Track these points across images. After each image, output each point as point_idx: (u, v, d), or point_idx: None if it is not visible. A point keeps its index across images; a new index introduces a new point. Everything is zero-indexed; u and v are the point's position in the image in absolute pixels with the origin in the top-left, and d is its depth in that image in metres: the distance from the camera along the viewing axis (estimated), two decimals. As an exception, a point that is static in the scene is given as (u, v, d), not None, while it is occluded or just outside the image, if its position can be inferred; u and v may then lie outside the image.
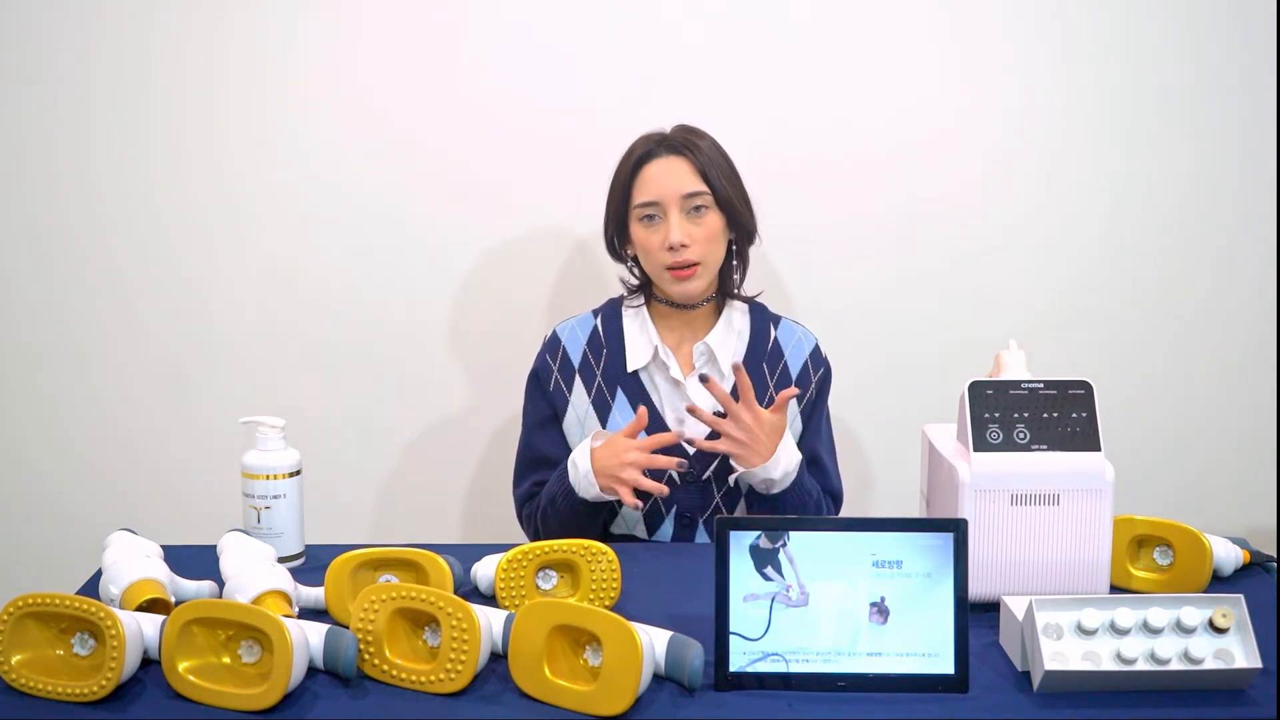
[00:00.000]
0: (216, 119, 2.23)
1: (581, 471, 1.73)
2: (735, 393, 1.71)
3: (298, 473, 1.59)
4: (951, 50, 2.23)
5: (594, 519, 1.79)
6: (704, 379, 1.67)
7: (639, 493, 1.71)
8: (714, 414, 1.74)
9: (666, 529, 1.85)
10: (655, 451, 1.70)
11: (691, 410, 1.71)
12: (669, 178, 1.80)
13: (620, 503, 1.80)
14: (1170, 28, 2.22)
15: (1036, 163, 2.26)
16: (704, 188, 1.80)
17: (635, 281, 1.92)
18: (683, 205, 1.79)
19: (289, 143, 2.23)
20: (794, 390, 1.70)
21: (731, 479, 1.78)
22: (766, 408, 1.74)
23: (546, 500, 1.80)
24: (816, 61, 2.23)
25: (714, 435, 1.78)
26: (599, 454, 1.72)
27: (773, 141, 2.23)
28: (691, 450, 1.81)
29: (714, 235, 1.81)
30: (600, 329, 1.88)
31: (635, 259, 1.89)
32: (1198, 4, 2.22)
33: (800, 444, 1.86)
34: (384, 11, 2.20)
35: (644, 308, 1.89)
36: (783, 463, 1.72)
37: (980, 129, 2.25)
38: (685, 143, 1.82)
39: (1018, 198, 2.27)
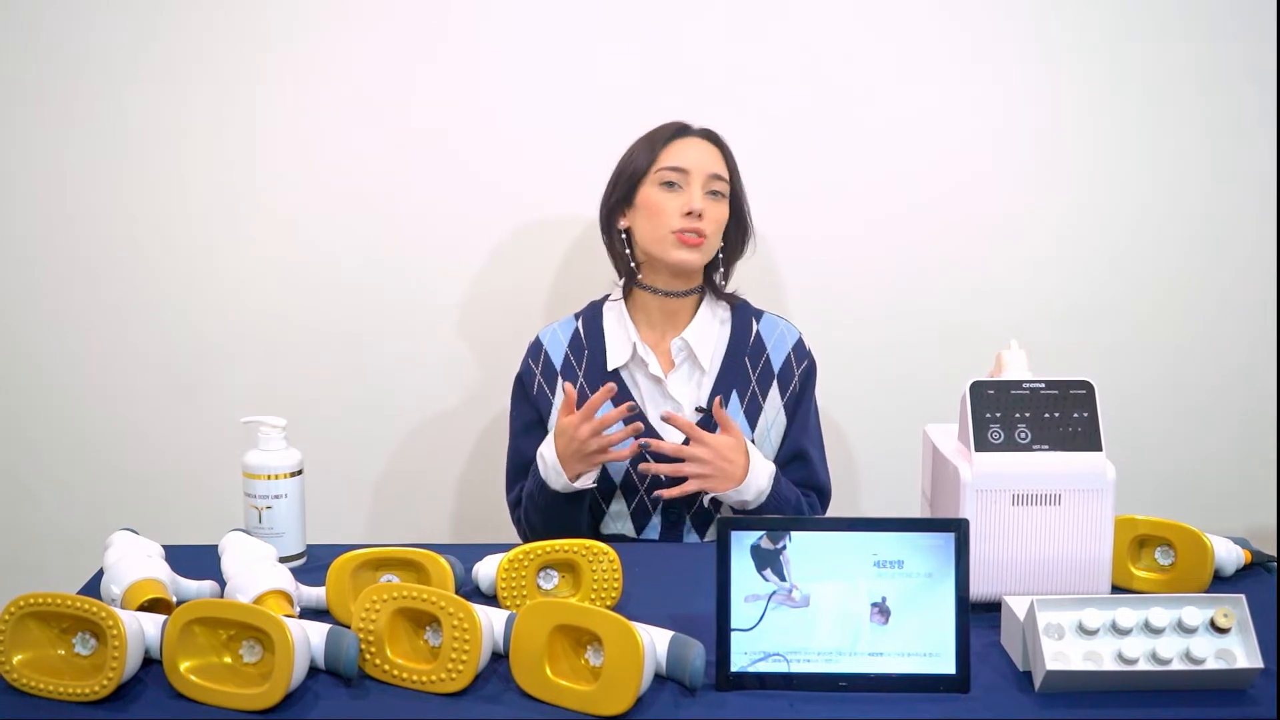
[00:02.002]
0: (217, 117, 2.23)
1: (550, 464, 1.75)
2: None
3: (299, 472, 1.59)
4: (953, 47, 2.23)
5: (574, 509, 1.79)
6: (665, 417, 1.70)
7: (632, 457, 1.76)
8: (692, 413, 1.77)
9: (654, 527, 1.86)
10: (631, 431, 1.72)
11: (667, 418, 1.71)
12: (702, 154, 1.85)
13: (606, 505, 1.85)
14: (1174, 28, 2.22)
15: (1038, 162, 2.26)
16: (726, 175, 1.86)
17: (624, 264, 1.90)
18: (706, 183, 1.84)
19: (290, 141, 2.23)
20: (718, 400, 1.72)
21: (706, 500, 1.80)
22: (748, 401, 1.78)
23: (526, 498, 1.83)
24: (816, 57, 2.23)
25: (703, 424, 1.81)
26: (559, 445, 1.74)
27: (772, 138, 2.23)
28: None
29: (722, 222, 1.87)
30: (581, 330, 1.90)
31: (626, 234, 1.88)
32: (1202, 5, 2.22)
33: (785, 438, 1.88)
34: (385, 7, 2.20)
35: (623, 303, 1.90)
36: (754, 484, 1.72)
37: (980, 127, 2.25)
38: (715, 135, 1.89)
39: (1022, 197, 2.27)
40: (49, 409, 2.31)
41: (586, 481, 1.76)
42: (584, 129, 2.21)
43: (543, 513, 1.80)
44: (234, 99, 2.22)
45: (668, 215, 1.82)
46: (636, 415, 1.81)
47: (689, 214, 1.81)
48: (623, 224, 1.89)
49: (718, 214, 1.84)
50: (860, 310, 2.29)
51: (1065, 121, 2.25)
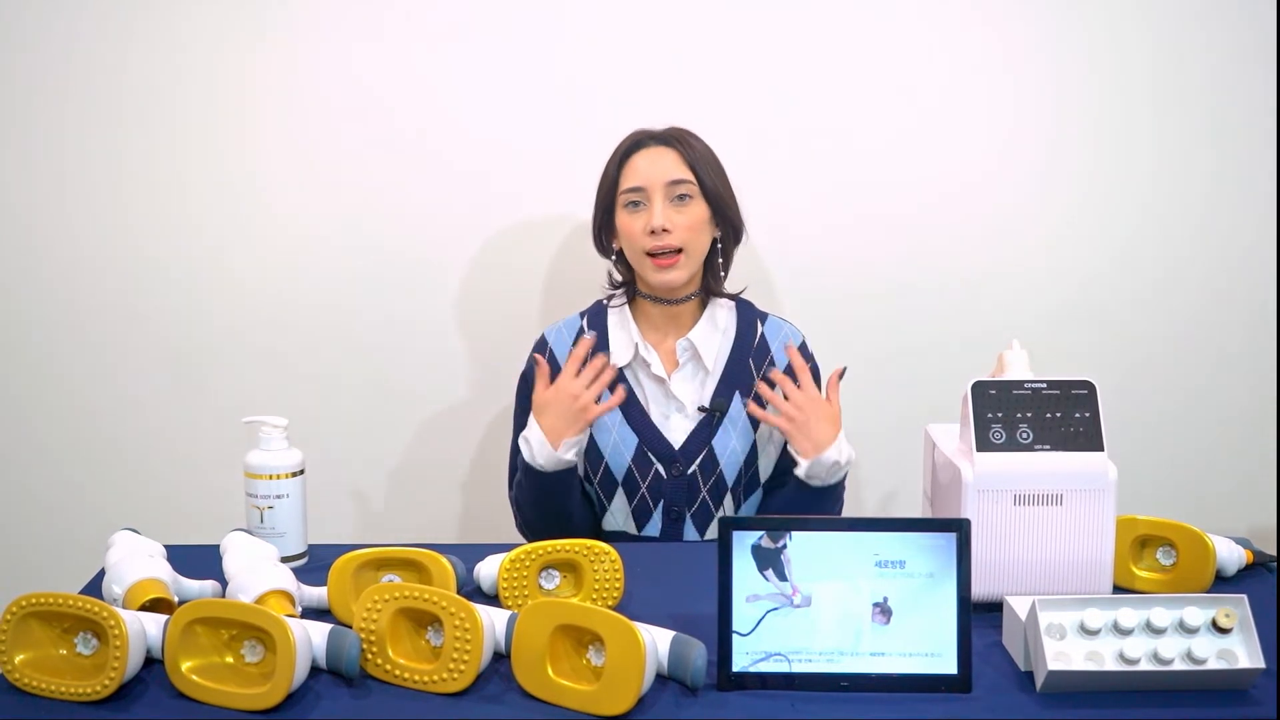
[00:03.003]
0: (216, 118, 2.23)
1: (535, 441, 1.75)
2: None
3: (301, 472, 1.59)
4: (956, 46, 2.23)
5: (563, 492, 1.80)
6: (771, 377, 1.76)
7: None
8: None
9: (655, 523, 1.87)
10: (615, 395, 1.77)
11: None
12: (656, 165, 1.84)
13: (607, 502, 1.87)
14: (1175, 30, 2.22)
15: (1039, 161, 2.27)
16: (690, 177, 1.84)
17: (619, 278, 1.95)
18: (667, 192, 1.83)
19: (288, 143, 2.23)
20: (841, 367, 1.77)
21: (800, 470, 1.76)
22: (752, 401, 1.81)
23: (516, 489, 1.84)
24: (816, 56, 2.23)
25: (706, 423, 1.84)
26: (546, 419, 1.75)
27: (773, 137, 2.23)
28: (678, 446, 1.84)
29: (697, 224, 1.84)
30: (586, 329, 1.91)
31: (620, 253, 1.91)
32: (1202, 8, 2.22)
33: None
34: (381, 11, 2.20)
35: (626, 306, 1.92)
36: (845, 450, 1.76)
37: (982, 127, 2.26)
38: (675, 136, 1.87)
39: (1020, 197, 2.27)
40: (50, 409, 2.31)
41: (572, 453, 1.76)
42: (583, 127, 2.21)
43: (534, 501, 1.81)
44: (235, 100, 2.22)
45: (637, 237, 1.83)
46: (634, 406, 1.84)
47: (653, 232, 1.81)
48: (615, 245, 1.91)
49: (688, 219, 1.83)
50: (861, 310, 2.29)
51: (1065, 123, 2.25)
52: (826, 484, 1.76)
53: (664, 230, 1.81)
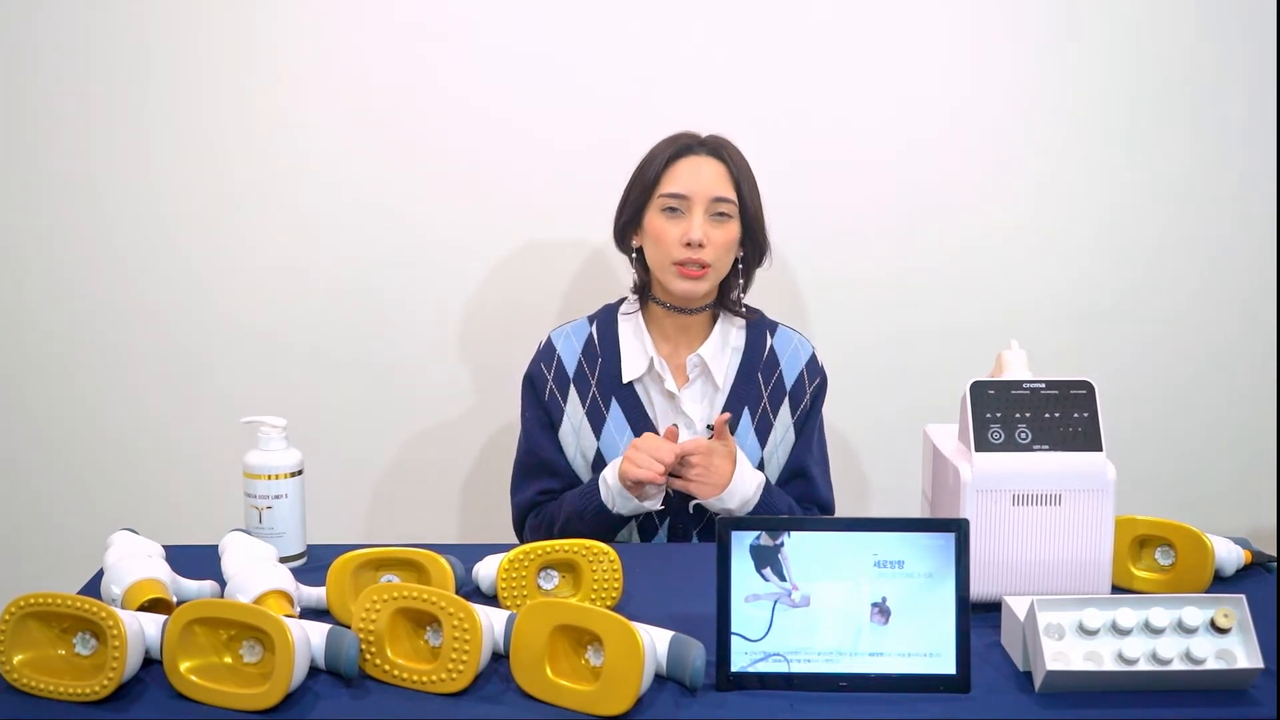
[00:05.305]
0: (221, 118, 2.23)
1: (613, 488, 1.73)
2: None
3: (299, 473, 1.59)
4: (956, 49, 2.24)
5: (620, 529, 1.79)
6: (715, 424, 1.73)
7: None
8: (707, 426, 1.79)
9: (660, 540, 1.85)
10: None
11: (714, 426, 1.74)
12: (703, 176, 1.81)
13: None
14: (1172, 27, 2.23)
15: (1040, 162, 2.27)
16: (733, 196, 1.81)
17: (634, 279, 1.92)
18: (709, 207, 1.80)
19: (293, 143, 2.23)
20: (727, 415, 1.73)
21: (690, 506, 1.78)
22: (759, 419, 1.80)
23: (572, 515, 1.78)
24: (820, 59, 2.23)
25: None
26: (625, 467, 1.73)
27: (776, 140, 2.22)
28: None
29: (730, 244, 1.82)
30: (595, 337, 1.88)
31: (639, 253, 1.88)
32: (1201, 4, 2.22)
33: (790, 454, 1.87)
34: (395, 14, 2.20)
35: (639, 315, 1.88)
36: (738, 494, 1.73)
37: (983, 129, 2.26)
38: (723, 148, 1.84)
39: (1021, 197, 2.28)
40: (49, 409, 2.31)
41: (656, 502, 1.74)
42: (597, 136, 2.21)
43: (588, 531, 1.75)
44: (238, 102, 2.22)
45: (669, 244, 1.79)
46: (643, 421, 1.83)
47: (689, 244, 1.78)
48: (635, 243, 1.88)
49: (722, 237, 1.80)
50: (861, 310, 2.29)
51: (1067, 123, 2.25)
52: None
53: (700, 245, 1.78)
